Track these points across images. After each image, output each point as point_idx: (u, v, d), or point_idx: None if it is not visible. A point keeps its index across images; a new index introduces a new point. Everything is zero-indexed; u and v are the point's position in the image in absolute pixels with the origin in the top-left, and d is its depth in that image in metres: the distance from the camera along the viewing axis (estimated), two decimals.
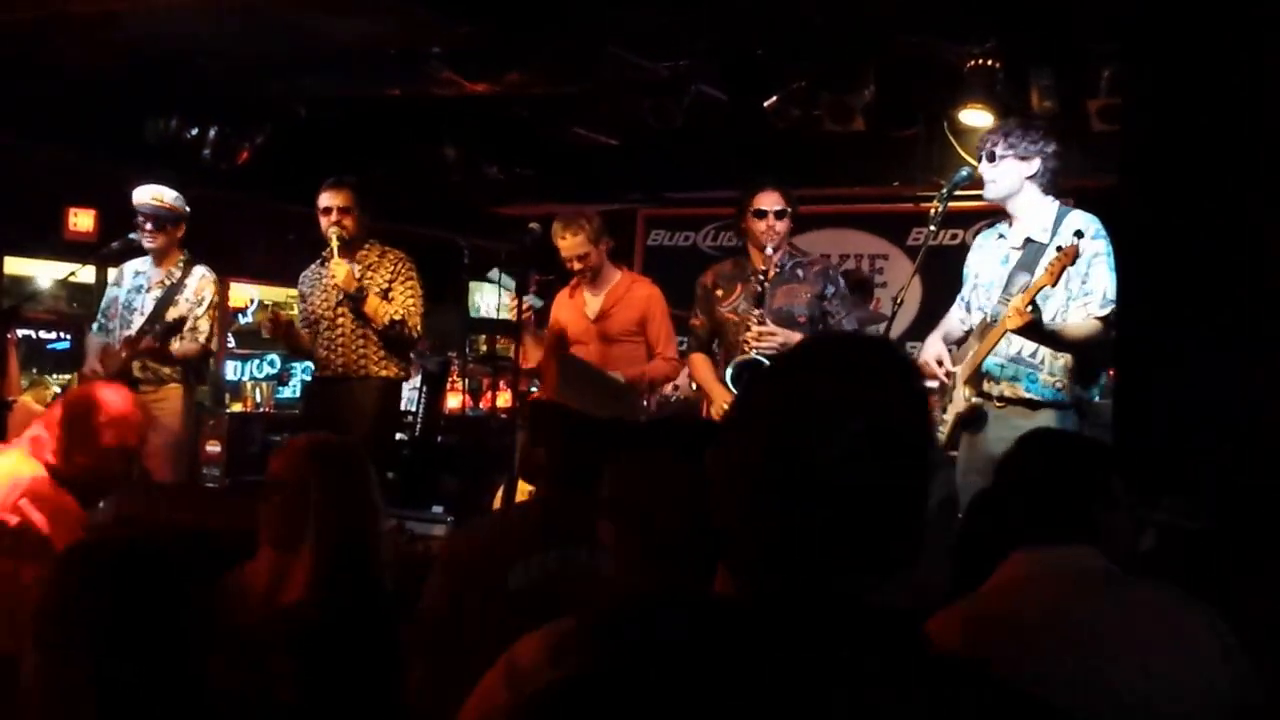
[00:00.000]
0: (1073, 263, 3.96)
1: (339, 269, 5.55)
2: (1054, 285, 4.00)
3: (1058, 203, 4.32)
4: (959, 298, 4.60)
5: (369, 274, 5.69)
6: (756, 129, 6.98)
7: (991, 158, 4.31)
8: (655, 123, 7.02)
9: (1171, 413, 3.48)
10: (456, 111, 7.65)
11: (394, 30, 6.33)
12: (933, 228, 4.62)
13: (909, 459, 1.21)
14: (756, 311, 4.98)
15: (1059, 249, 4.01)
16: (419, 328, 5.80)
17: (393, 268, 5.72)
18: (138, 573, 1.93)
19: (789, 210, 5.07)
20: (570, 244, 5.46)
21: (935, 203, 4.56)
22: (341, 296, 5.65)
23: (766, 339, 4.89)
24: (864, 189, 8.26)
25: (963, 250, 4.61)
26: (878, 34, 6.30)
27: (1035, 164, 4.28)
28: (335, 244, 5.58)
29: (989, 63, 6.28)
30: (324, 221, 5.65)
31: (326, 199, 5.66)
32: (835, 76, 6.66)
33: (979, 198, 6.85)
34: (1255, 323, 3.39)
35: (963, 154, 6.82)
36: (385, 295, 5.66)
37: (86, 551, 2.02)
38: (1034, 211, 4.32)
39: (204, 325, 5.85)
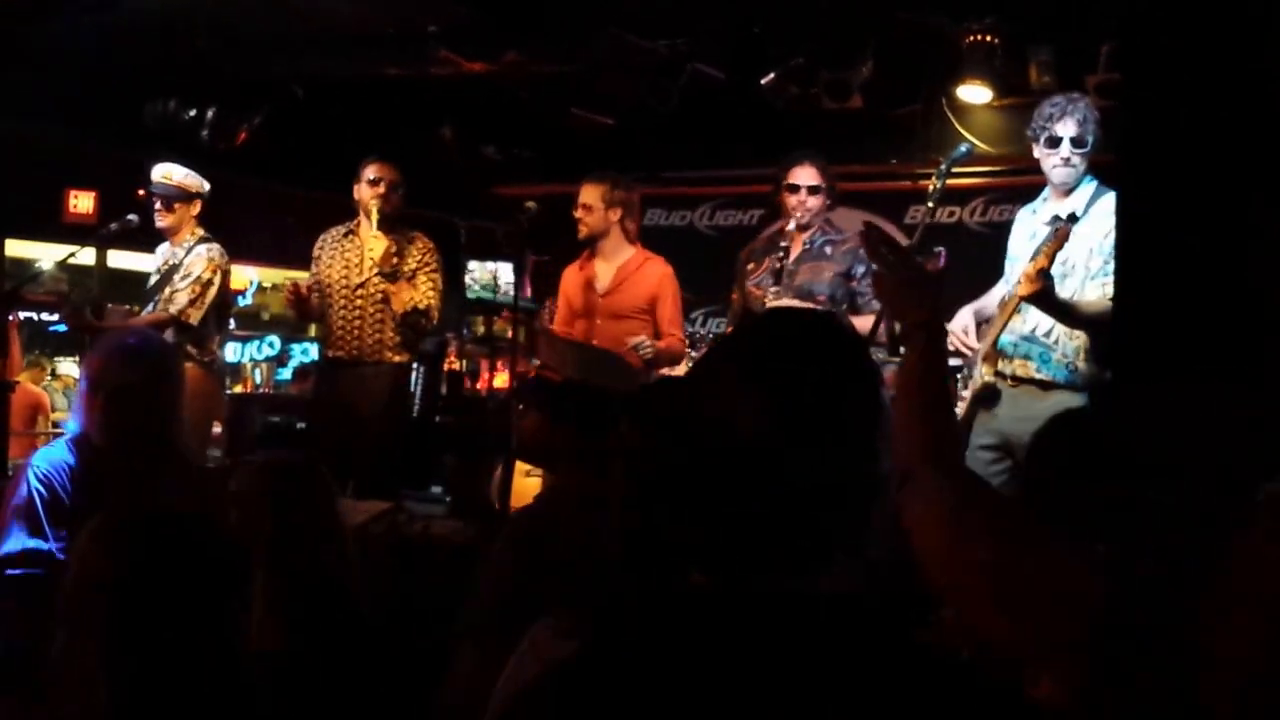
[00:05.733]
0: (1061, 246, 3.91)
1: (378, 245, 5.46)
2: (1049, 265, 3.96)
3: (1095, 182, 4.25)
4: (1004, 276, 4.56)
5: (396, 258, 5.59)
6: (754, 107, 6.95)
7: (1083, 144, 4.19)
8: (653, 102, 7.00)
9: (1167, 394, 3.47)
10: (454, 92, 7.63)
11: (391, 10, 6.31)
12: (930, 205, 4.60)
13: (847, 436, 1.17)
14: (773, 288, 4.96)
15: (1055, 231, 3.97)
16: (436, 320, 5.73)
17: (420, 256, 5.61)
18: (161, 551, 1.92)
19: (823, 186, 5.02)
20: (584, 193, 5.41)
21: (933, 180, 4.54)
22: (365, 276, 5.58)
23: None
24: (861, 167, 8.21)
25: (960, 228, 4.62)
26: (876, 10, 6.27)
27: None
28: (376, 216, 5.49)
29: (988, 39, 6.26)
30: (368, 192, 5.55)
31: (375, 171, 5.59)
32: (833, 53, 6.63)
33: (977, 174, 6.86)
34: (1256, 308, 3.38)
35: (961, 130, 6.81)
36: (410, 281, 5.57)
37: (110, 528, 2.01)
38: (1075, 191, 4.26)
39: (180, 298, 5.65)
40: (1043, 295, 3.95)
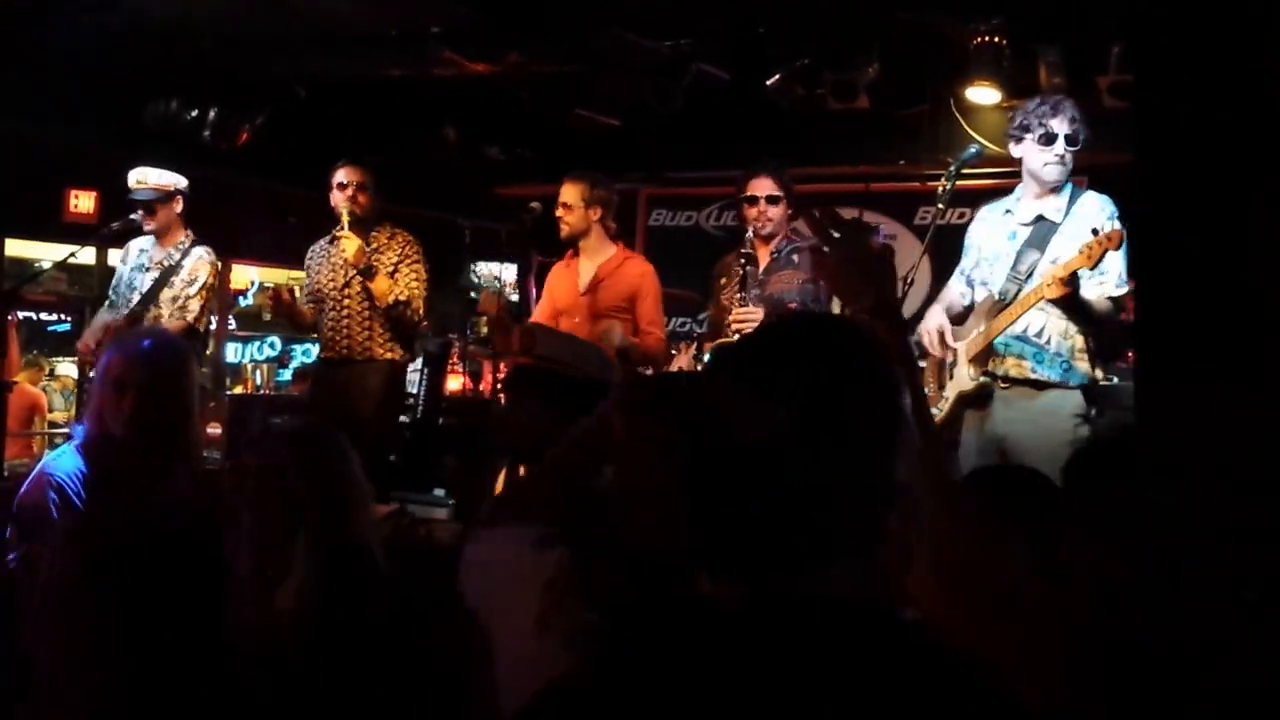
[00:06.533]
0: (1118, 248, 3.88)
1: (350, 244, 5.55)
2: (1092, 269, 3.93)
3: (1072, 182, 4.26)
4: (958, 270, 4.54)
5: (377, 255, 5.71)
6: (759, 108, 6.92)
7: (1075, 142, 4.20)
8: (656, 103, 6.97)
9: (1189, 394, 3.43)
10: (457, 92, 7.61)
11: (393, 10, 6.29)
12: (940, 206, 4.58)
13: (855, 443, 1.15)
14: (739, 295, 4.99)
15: (1095, 232, 3.92)
16: (421, 311, 5.82)
17: (400, 250, 5.74)
18: (143, 554, 1.90)
19: (782, 196, 5.05)
20: (564, 192, 5.41)
21: (943, 181, 4.52)
22: (349, 276, 5.68)
23: (747, 320, 4.85)
24: (869, 168, 8.19)
25: None
26: (881, 10, 6.24)
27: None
28: (347, 219, 5.59)
29: (995, 39, 6.22)
30: (338, 196, 5.68)
31: (343, 175, 5.70)
32: (839, 54, 6.60)
33: (986, 175, 6.81)
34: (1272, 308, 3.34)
35: (970, 131, 6.77)
36: (391, 276, 5.69)
37: (90, 532, 1.99)
38: (1059, 190, 4.26)
39: (193, 305, 5.78)
40: (1071, 299, 3.94)
